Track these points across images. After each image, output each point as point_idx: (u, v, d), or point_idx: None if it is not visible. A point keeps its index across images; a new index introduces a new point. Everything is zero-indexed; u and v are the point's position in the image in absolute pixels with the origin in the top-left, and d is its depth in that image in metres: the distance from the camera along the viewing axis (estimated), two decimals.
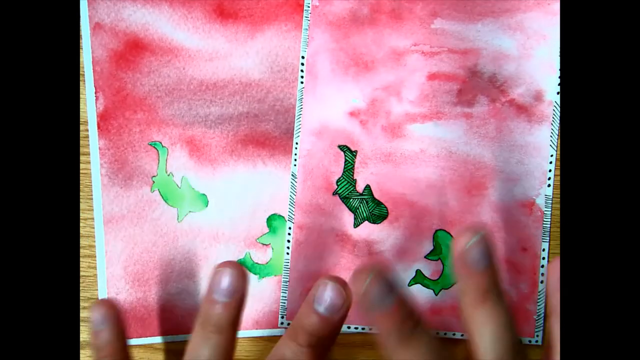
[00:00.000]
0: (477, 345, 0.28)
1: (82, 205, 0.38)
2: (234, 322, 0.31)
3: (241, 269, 0.30)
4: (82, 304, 0.38)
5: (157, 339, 0.38)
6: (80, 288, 0.38)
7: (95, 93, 0.37)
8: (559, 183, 0.38)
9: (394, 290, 0.27)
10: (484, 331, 0.28)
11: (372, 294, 0.27)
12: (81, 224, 0.38)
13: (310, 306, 0.29)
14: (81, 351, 0.38)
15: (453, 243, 0.28)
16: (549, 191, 0.38)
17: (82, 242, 0.38)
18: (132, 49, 0.37)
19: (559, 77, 0.37)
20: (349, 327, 0.38)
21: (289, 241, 0.38)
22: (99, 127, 0.37)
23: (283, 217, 0.38)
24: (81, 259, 0.38)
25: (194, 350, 0.31)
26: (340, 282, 0.29)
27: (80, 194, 0.38)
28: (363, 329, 0.38)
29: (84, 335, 0.38)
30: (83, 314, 0.38)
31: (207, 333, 0.30)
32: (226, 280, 0.30)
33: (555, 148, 0.38)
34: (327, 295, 0.29)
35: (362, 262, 0.38)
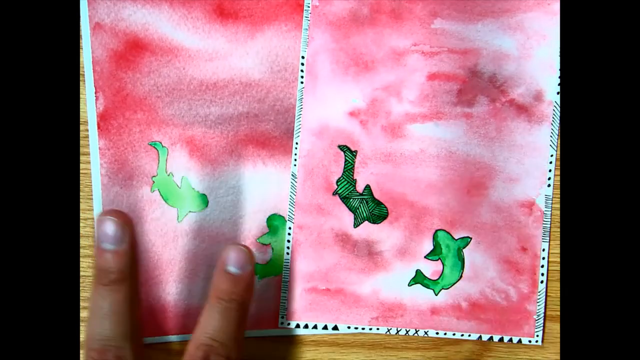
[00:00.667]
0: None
1: (82, 205, 0.38)
2: (130, 268, 0.32)
3: (126, 216, 0.32)
4: (82, 304, 0.38)
5: (157, 339, 0.38)
6: (80, 288, 0.38)
7: (95, 93, 0.37)
8: (559, 183, 0.38)
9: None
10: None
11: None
12: (81, 224, 0.38)
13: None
14: (81, 351, 0.38)
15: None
16: (549, 191, 0.38)
17: (82, 242, 0.38)
18: (132, 49, 0.37)
19: (559, 77, 0.37)
20: (349, 327, 0.38)
21: (289, 241, 0.38)
22: (99, 127, 0.37)
23: (283, 217, 0.38)
24: (81, 259, 0.38)
25: (95, 305, 0.32)
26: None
27: (80, 194, 0.38)
28: (363, 328, 0.38)
29: (84, 335, 0.38)
30: (83, 314, 0.38)
31: (104, 286, 0.32)
32: (111, 228, 0.31)
33: (555, 148, 0.38)
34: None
35: (363, 262, 0.38)
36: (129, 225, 0.32)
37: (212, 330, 0.32)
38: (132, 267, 0.32)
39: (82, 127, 0.38)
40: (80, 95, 0.37)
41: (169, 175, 0.38)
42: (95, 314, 0.32)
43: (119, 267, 0.31)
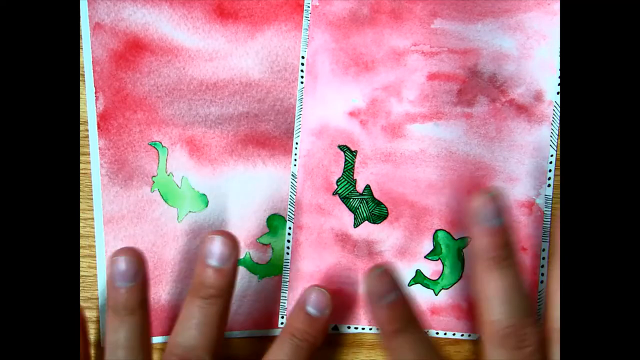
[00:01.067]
0: (485, 308, 0.30)
1: (82, 205, 0.38)
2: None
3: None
4: (82, 304, 0.38)
5: (158, 339, 0.38)
6: (80, 288, 0.38)
7: (95, 93, 0.37)
8: (559, 183, 0.38)
9: (393, 288, 0.31)
10: (492, 293, 0.30)
11: (377, 287, 0.31)
12: (81, 224, 0.38)
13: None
14: (81, 351, 0.38)
15: (469, 204, 0.32)
16: (549, 191, 0.38)
17: (82, 242, 0.38)
18: (132, 49, 0.37)
19: (559, 77, 0.37)
20: (349, 327, 0.38)
21: (289, 241, 0.38)
22: (99, 127, 0.37)
23: (283, 217, 0.38)
24: (81, 259, 0.38)
25: (187, 314, 0.33)
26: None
27: (80, 194, 0.38)
28: (363, 328, 0.38)
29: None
30: (83, 314, 0.38)
31: (201, 298, 0.32)
32: (221, 246, 0.32)
33: (555, 148, 0.38)
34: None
35: (363, 262, 0.38)
36: (236, 249, 0.33)
37: None
38: (230, 286, 0.33)
39: (82, 127, 0.38)
40: (80, 95, 0.37)
41: (169, 175, 0.38)
42: (185, 322, 0.33)
43: (219, 285, 0.32)
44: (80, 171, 0.38)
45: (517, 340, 0.30)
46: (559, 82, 0.37)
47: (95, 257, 0.38)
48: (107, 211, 0.37)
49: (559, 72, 0.37)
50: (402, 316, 0.31)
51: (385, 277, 0.32)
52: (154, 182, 0.38)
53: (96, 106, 0.37)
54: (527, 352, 0.30)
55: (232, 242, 0.32)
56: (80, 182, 0.38)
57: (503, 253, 0.31)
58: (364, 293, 0.32)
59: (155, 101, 0.37)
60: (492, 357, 0.31)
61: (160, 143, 0.37)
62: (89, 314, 0.38)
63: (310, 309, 0.34)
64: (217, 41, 0.37)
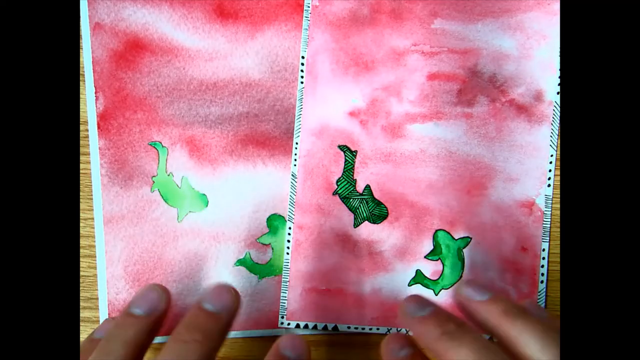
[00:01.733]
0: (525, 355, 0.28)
1: (82, 205, 0.38)
2: (222, 332, 0.30)
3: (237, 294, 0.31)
4: (82, 304, 0.38)
5: (158, 339, 0.38)
6: (80, 288, 0.38)
7: (95, 93, 0.37)
8: (559, 183, 0.38)
9: (430, 303, 0.30)
10: (528, 339, 0.28)
11: (413, 303, 0.30)
12: (81, 224, 0.38)
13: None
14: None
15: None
16: (549, 191, 0.38)
17: (82, 242, 0.38)
18: (132, 49, 0.37)
19: (559, 77, 0.37)
20: (348, 327, 0.38)
21: (289, 241, 0.38)
22: (99, 127, 0.37)
23: (283, 217, 0.38)
24: (81, 259, 0.38)
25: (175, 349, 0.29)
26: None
27: (81, 194, 0.38)
28: (363, 329, 0.38)
29: (84, 335, 0.38)
30: (83, 314, 0.38)
31: (192, 336, 0.29)
32: (224, 295, 0.30)
33: (556, 148, 0.38)
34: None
35: (363, 262, 0.38)
36: (236, 302, 0.31)
37: None
38: (226, 329, 0.31)
39: (82, 127, 0.38)
40: (80, 95, 0.37)
41: (169, 175, 0.38)
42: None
43: (215, 327, 0.30)
44: (81, 171, 0.38)
45: None
46: (559, 82, 0.37)
47: (95, 257, 0.38)
48: (107, 211, 0.37)
49: (559, 72, 0.37)
50: (447, 319, 0.29)
51: (418, 296, 0.30)
52: (154, 182, 0.38)
53: (96, 106, 0.37)
54: None
55: (235, 295, 0.31)
56: (81, 182, 0.38)
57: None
58: (401, 319, 0.30)
59: (155, 101, 0.37)
60: None
61: (160, 143, 0.37)
62: (89, 314, 0.38)
63: (288, 352, 0.31)
64: (217, 41, 0.37)
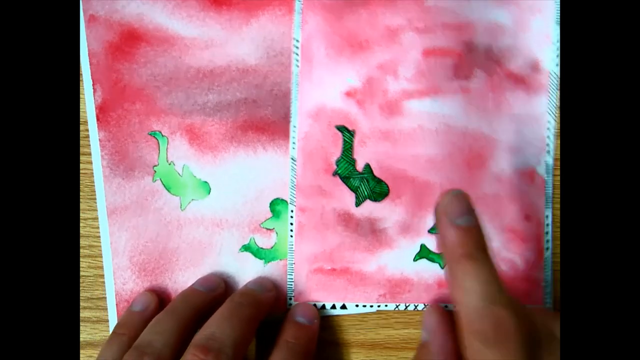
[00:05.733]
0: (462, 300, 0.29)
1: (82, 205, 0.38)
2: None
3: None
4: (82, 304, 0.38)
5: None
6: (80, 288, 0.38)
7: (93, 85, 0.37)
8: (558, 150, 0.37)
9: (468, 211, 0.30)
10: (468, 285, 0.28)
11: (453, 207, 0.30)
12: (81, 224, 0.38)
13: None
14: (81, 351, 0.38)
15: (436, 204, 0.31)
16: (549, 159, 0.37)
17: (82, 242, 0.38)
18: (128, 40, 0.37)
19: (559, 44, 0.37)
20: (357, 306, 0.38)
21: (292, 224, 0.38)
22: (98, 120, 0.38)
23: (286, 201, 0.38)
24: (81, 259, 0.38)
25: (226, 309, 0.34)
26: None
27: (81, 194, 0.38)
28: (371, 306, 0.38)
29: (84, 335, 0.38)
30: (83, 314, 0.38)
31: (240, 302, 0.35)
32: None
33: (554, 117, 0.37)
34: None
35: (367, 240, 0.38)
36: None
37: None
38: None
39: (80, 120, 0.38)
40: None
41: (170, 164, 0.38)
42: (219, 314, 0.34)
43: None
44: (81, 171, 0.38)
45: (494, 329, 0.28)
46: (555, 52, 0.37)
47: (95, 257, 0.38)
48: (110, 203, 0.38)
49: (555, 42, 0.37)
50: (474, 241, 0.30)
51: (464, 199, 0.30)
52: (155, 171, 0.38)
53: (94, 98, 0.37)
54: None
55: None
56: (81, 181, 0.38)
57: (473, 249, 0.30)
58: (436, 212, 0.31)
59: (153, 91, 0.38)
60: (472, 347, 0.29)
61: (160, 132, 0.38)
62: (89, 314, 0.38)
63: (300, 319, 0.36)
64: (212, 29, 0.37)
